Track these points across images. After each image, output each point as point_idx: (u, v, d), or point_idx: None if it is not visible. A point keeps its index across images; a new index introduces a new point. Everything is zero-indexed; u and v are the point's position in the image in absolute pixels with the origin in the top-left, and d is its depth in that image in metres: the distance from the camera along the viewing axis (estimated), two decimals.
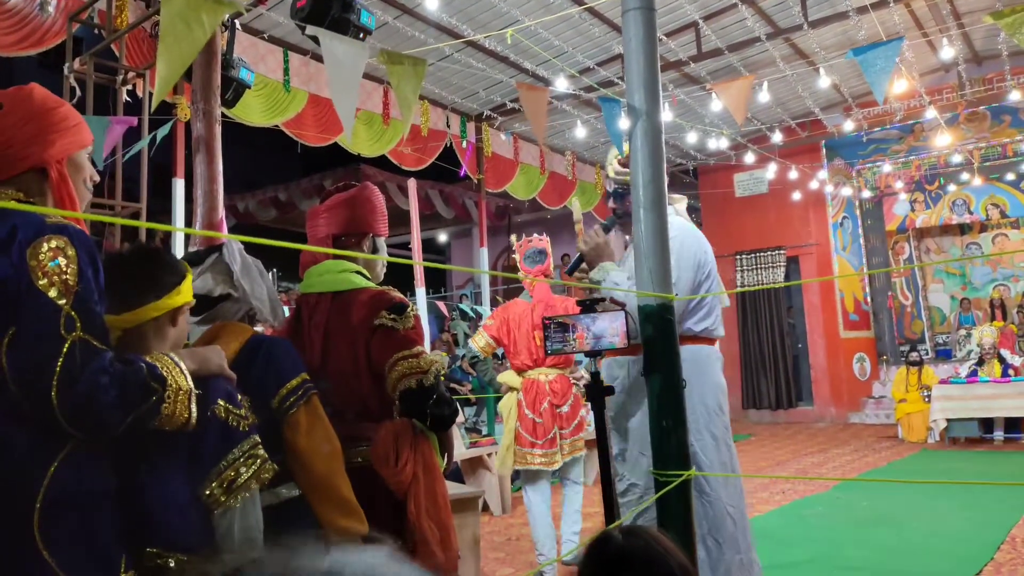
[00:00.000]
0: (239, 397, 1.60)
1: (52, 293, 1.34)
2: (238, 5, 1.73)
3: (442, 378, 2.13)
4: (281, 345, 1.85)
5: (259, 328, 2.02)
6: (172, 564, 1.46)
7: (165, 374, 1.42)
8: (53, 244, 1.37)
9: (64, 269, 1.36)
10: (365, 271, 2.27)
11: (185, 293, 1.61)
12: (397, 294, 2.21)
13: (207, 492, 1.49)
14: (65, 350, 1.31)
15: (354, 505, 1.80)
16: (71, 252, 1.38)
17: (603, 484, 2.41)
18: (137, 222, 1.35)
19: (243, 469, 1.51)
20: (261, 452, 1.56)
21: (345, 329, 2.14)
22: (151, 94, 5.78)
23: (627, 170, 2.87)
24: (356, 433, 2.08)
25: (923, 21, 8.97)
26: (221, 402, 1.54)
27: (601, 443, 2.38)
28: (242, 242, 1.95)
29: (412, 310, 2.16)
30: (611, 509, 2.37)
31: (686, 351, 2.32)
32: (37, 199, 1.54)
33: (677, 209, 3.00)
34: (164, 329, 1.59)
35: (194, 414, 1.47)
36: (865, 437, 10.19)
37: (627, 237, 3.11)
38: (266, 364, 1.78)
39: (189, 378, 1.47)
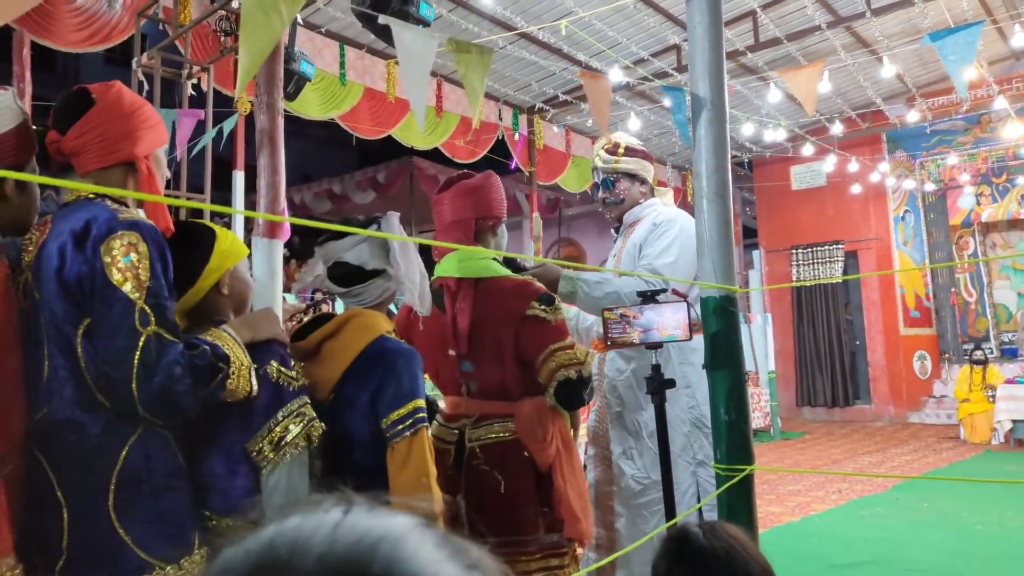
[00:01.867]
0: (292, 360, 1.64)
1: (126, 288, 1.40)
2: None
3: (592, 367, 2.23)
4: (405, 360, 1.79)
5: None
6: (224, 527, 1.53)
7: (227, 352, 1.49)
8: (126, 240, 1.42)
9: (137, 264, 1.41)
10: (499, 260, 2.34)
11: (216, 268, 1.64)
12: (540, 284, 2.29)
13: (257, 449, 1.54)
14: (141, 344, 1.37)
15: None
16: (143, 248, 1.43)
17: (664, 481, 2.38)
18: (206, 205, 1.39)
19: (292, 426, 1.56)
20: (309, 411, 1.60)
21: (493, 315, 2.22)
22: (215, 88, 5.91)
23: (615, 157, 2.90)
24: (496, 411, 2.22)
25: (992, 7, 8.64)
26: (274, 364, 1.59)
27: (662, 439, 2.36)
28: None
29: (558, 302, 2.25)
30: (672, 507, 2.34)
31: (698, 341, 2.31)
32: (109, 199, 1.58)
33: (665, 201, 3.02)
34: (219, 299, 1.66)
35: (255, 386, 1.53)
36: (925, 437, 9.91)
37: (612, 230, 3.08)
38: (384, 377, 1.75)
39: (246, 352, 1.53)
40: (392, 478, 1.72)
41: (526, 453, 2.18)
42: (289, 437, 1.55)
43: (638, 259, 2.77)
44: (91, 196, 1.53)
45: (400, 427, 1.72)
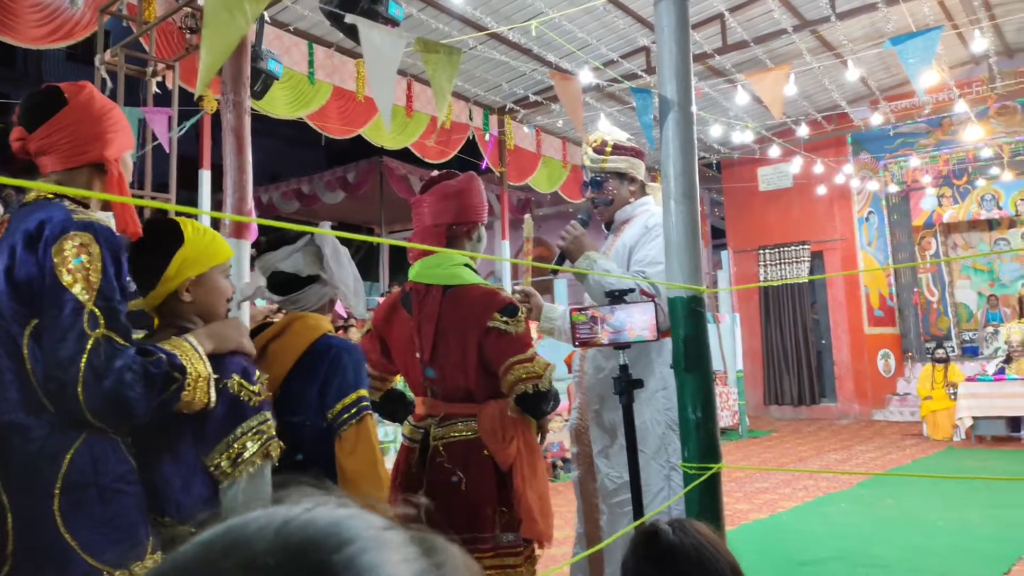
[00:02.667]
0: (256, 373, 1.62)
1: (76, 289, 1.37)
2: None
3: (552, 379, 2.24)
4: (347, 354, 1.87)
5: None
6: (183, 533, 1.50)
7: (185, 363, 1.46)
8: (77, 241, 1.39)
9: (88, 266, 1.38)
10: (472, 263, 2.36)
11: (174, 276, 1.60)
12: (507, 294, 2.31)
13: (214, 464, 1.53)
14: (89, 346, 1.34)
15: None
16: (95, 249, 1.40)
17: (632, 481, 2.40)
18: (171, 205, 1.38)
19: (249, 443, 1.54)
20: (268, 428, 1.59)
21: (457, 324, 2.24)
22: (180, 86, 5.83)
23: (602, 156, 2.86)
24: (461, 411, 2.25)
25: (953, 13, 8.82)
26: (235, 377, 1.57)
27: (630, 440, 2.37)
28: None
29: (523, 312, 2.26)
30: (640, 506, 2.36)
31: (667, 343, 2.34)
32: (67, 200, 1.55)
33: (657, 199, 2.96)
34: (180, 305, 1.63)
35: (213, 398, 1.51)
36: (889, 435, 10.09)
37: (603, 226, 3.07)
38: (330, 372, 1.82)
39: (207, 363, 1.50)
40: (341, 465, 1.76)
41: (486, 452, 2.20)
42: (247, 454, 1.53)
43: (628, 262, 2.76)
44: (50, 196, 1.50)
45: (346, 415, 1.78)
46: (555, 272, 3.13)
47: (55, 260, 1.38)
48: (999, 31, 9.63)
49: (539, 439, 2.37)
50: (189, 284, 1.63)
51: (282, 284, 1.97)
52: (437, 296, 2.28)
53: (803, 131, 10.87)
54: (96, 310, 1.37)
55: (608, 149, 2.85)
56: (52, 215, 1.43)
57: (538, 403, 2.19)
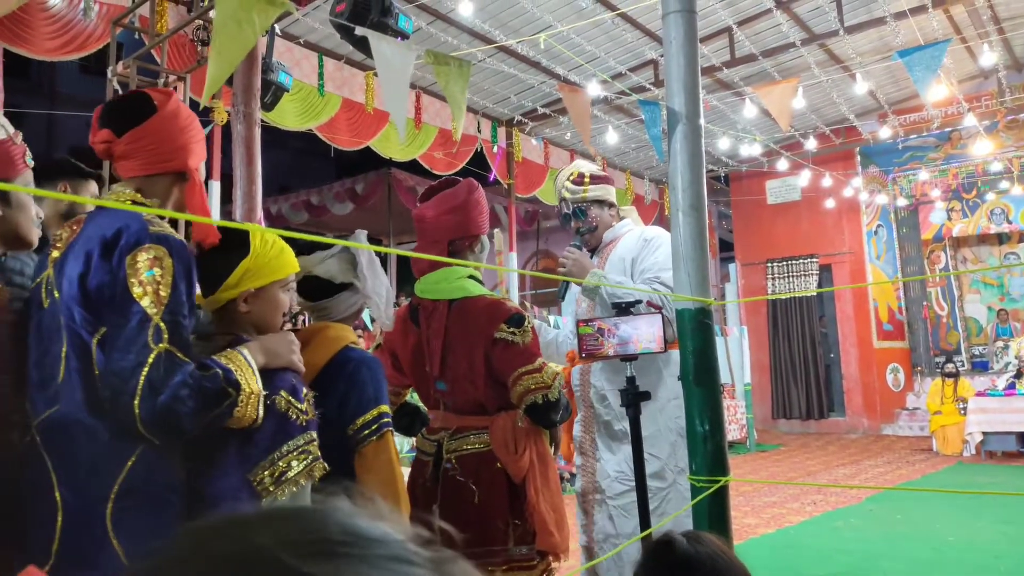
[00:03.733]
0: (304, 391, 1.60)
1: (145, 302, 1.39)
2: (289, 5, 1.75)
3: (563, 389, 2.23)
4: (368, 368, 1.83)
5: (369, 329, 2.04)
6: None
7: (239, 378, 1.45)
8: (152, 254, 1.41)
9: (159, 279, 1.40)
10: (477, 274, 2.36)
11: (233, 286, 1.61)
12: (512, 304, 2.31)
13: (257, 480, 1.51)
14: (151, 360, 1.35)
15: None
16: (168, 263, 1.42)
17: (639, 491, 2.39)
18: (182, 215, 1.38)
19: (294, 463, 1.52)
20: (314, 449, 1.56)
21: (464, 337, 2.25)
22: (192, 98, 5.88)
23: (582, 187, 2.95)
24: (472, 424, 2.25)
25: (962, 27, 8.83)
26: (283, 393, 1.55)
27: (637, 452, 2.37)
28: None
29: (529, 322, 2.26)
30: (646, 516, 2.35)
31: (676, 354, 2.36)
32: (155, 201, 1.58)
33: (634, 218, 3.10)
34: (238, 314, 1.64)
35: (261, 415, 1.49)
36: (898, 449, 10.02)
37: (588, 252, 3.09)
38: (349, 385, 1.78)
39: (259, 380, 1.50)
40: (360, 481, 1.74)
41: (499, 464, 2.20)
42: (290, 473, 1.52)
43: (632, 272, 2.80)
44: (128, 202, 1.52)
45: (366, 432, 1.75)
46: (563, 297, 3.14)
47: (128, 271, 1.40)
48: (1008, 45, 9.62)
49: (552, 450, 2.37)
50: (248, 295, 1.63)
51: (314, 289, 1.93)
52: (443, 310, 2.28)
53: (811, 144, 10.86)
54: (162, 324, 1.39)
55: (587, 180, 2.96)
56: (129, 223, 1.44)
57: (547, 413, 2.18)
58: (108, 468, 1.39)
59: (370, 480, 1.73)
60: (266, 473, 1.51)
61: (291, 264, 1.70)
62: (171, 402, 1.35)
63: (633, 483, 2.67)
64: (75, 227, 1.53)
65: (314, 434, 1.58)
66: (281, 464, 1.51)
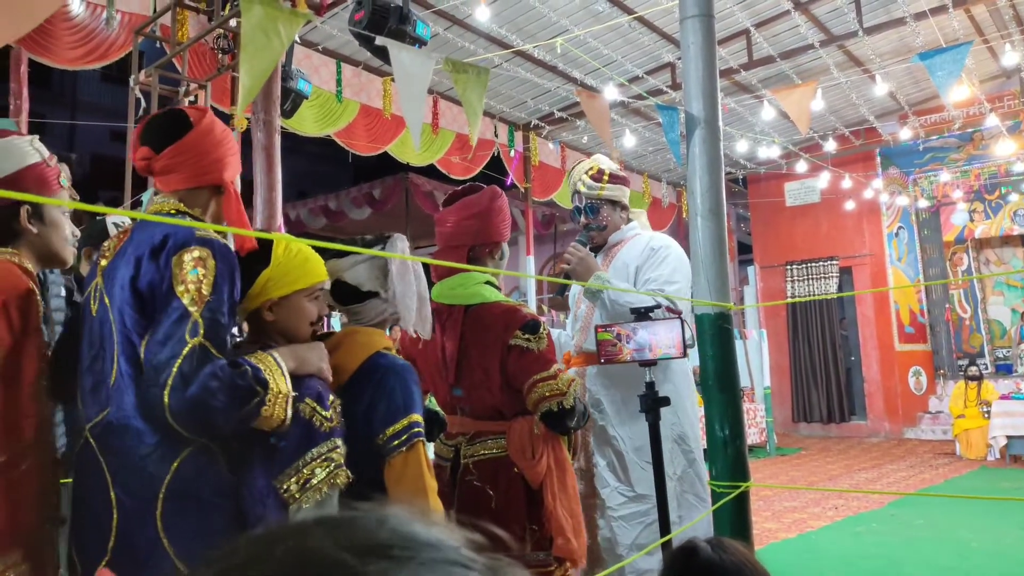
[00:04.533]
0: (330, 398, 1.62)
1: (186, 299, 1.44)
2: (312, 16, 1.77)
3: (578, 396, 2.21)
4: (397, 376, 1.78)
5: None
6: None
7: (268, 377, 1.48)
8: (196, 255, 1.47)
9: (201, 279, 1.46)
10: (494, 280, 2.36)
11: (257, 295, 1.64)
12: (528, 310, 2.30)
13: (283, 487, 1.52)
14: (185, 352, 1.40)
15: None
16: (211, 264, 1.48)
17: (659, 498, 2.38)
18: (202, 224, 1.42)
19: (318, 470, 1.53)
20: (337, 456, 1.57)
21: (479, 343, 2.24)
22: (213, 106, 5.93)
23: (600, 184, 2.90)
24: (489, 429, 2.24)
25: (984, 27, 8.74)
26: (309, 401, 1.57)
27: (657, 456, 2.36)
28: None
29: (544, 328, 2.25)
30: (666, 522, 2.34)
31: (680, 361, 2.36)
32: (196, 211, 1.66)
33: (642, 222, 3.04)
34: (264, 323, 1.67)
35: (289, 416, 1.51)
36: (921, 453, 9.91)
37: (591, 251, 3.05)
38: (377, 393, 1.74)
39: (288, 380, 1.52)
40: (389, 492, 1.70)
41: (516, 469, 2.19)
42: (315, 480, 1.53)
43: (635, 280, 2.78)
44: (172, 212, 1.59)
45: (396, 442, 1.71)
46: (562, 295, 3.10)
47: (174, 270, 1.46)
48: None
49: (570, 455, 2.36)
50: (271, 304, 1.66)
51: (345, 294, 1.89)
52: (459, 316, 2.28)
53: (831, 146, 10.78)
54: (200, 320, 1.43)
55: (605, 177, 2.91)
56: (177, 229, 1.52)
57: (563, 420, 2.18)
58: (156, 470, 1.44)
59: (399, 492, 1.69)
60: (292, 480, 1.52)
61: (316, 273, 1.71)
62: (201, 393, 1.38)
63: (633, 493, 2.67)
64: (123, 236, 1.60)
65: (339, 441, 1.59)
66: (306, 472, 1.53)
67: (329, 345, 1.82)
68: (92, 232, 2.41)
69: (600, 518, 2.75)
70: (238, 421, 1.45)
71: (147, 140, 1.64)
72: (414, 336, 2.18)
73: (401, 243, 1.93)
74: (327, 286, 1.79)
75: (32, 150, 1.63)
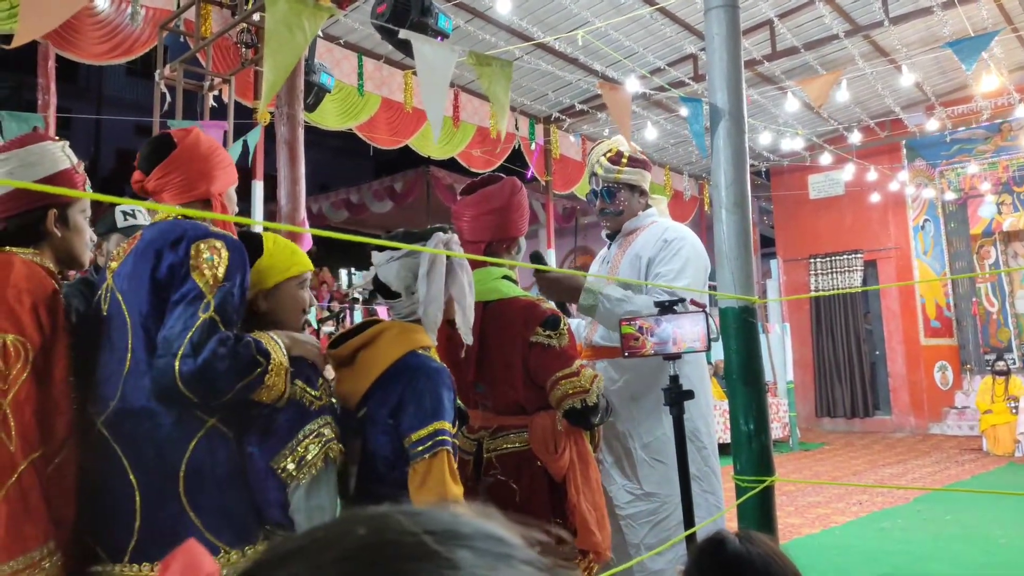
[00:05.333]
0: (319, 380, 1.70)
1: (201, 282, 1.55)
2: (335, 9, 1.77)
3: (601, 392, 2.18)
4: (428, 378, 1.74)
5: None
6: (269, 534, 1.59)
7: (269, 349, 1.58)
8: (212, 244, 1.60)
9: (216, 264, 1.57)
10: (512, 274, 2.33)
11: (256, 283, 1.71)
12: (548, 305, 2.28)
13: (280, 467, 1.59)
14: (196, 325, 1.50)
15: None
16: (225, 253, 1.60)
17: (683, 493, 2.36)
18: (230, 217, 1.45)
19: (312, 447, 1.60)
20: (328, 431, 1.64)
21: (500, 339, 2.22)
22: (237, 100, 5.98)
23: (618, 167, 2.80)
24: (513, 423, 2.23)
25: (1013, 15, 8.57)
26: (298, 382, 1.64)
27: (681, 451, 2.34)
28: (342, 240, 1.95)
29: (565, 324, 2.22)
30: (690, 518, 2.33)
31: (694, 355, 2.33)
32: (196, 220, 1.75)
33: (661, 210, 2.94)
34: (256, 315, 1.74)
35: (288, 388, 1.60)
36: (947, 449, 9.79)
37: (605, 235, 2.98)
38: (406, 395, 1.72)
39: (287, 356, 1.62)
40: (411, 497, 1.69)
41: (539, 463, 2.18)
42: (309, 456, 1.60)
43: (645, 273, 2.71)
44: (179, 217, 1.69)
45: (420, 448, 1.68)
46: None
47: (191, 254, 1.58)
48: None
49: (594, 449, 2.35)
50: (265, 293, 1.74)
51: (381, 288, 1.90)
52: (477, 312, 2.22)
53: (855, 138, 10.65)
54: (212, 300, 1.54)
55: (624, 160, 2.81)
56: (194, 226, 1.64)
57: (587, 417, 2.15)
58: (173, 450, 1.53)
59: (420, 498, 1.66)
60: (288, 460, 1.59)
61: (304, 262, 1.80)
62: (210, 358, 1.48)
63: (640, 491, 2.62)
64: (132, 243, 1.69)
65: (329, 418, 1.67)
66: (300, 449, 1.60)
67: (366, 337, 1.83)
68: (103, 222, 2.45)
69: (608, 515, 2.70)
70: (244, 389, 1.53)
71: (139, 165, 1.75)
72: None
73: (436, 240, 1.87)
74: (309, 276, 1.84)
75: (63, 156, 1.71)
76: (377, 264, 1.90)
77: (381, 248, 1.88)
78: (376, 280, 1.90)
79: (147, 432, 1.53)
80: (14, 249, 1.63)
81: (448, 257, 1.85)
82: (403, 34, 2.41)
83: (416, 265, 1.84)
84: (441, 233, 1.90)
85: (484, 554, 0.37)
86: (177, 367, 1.47)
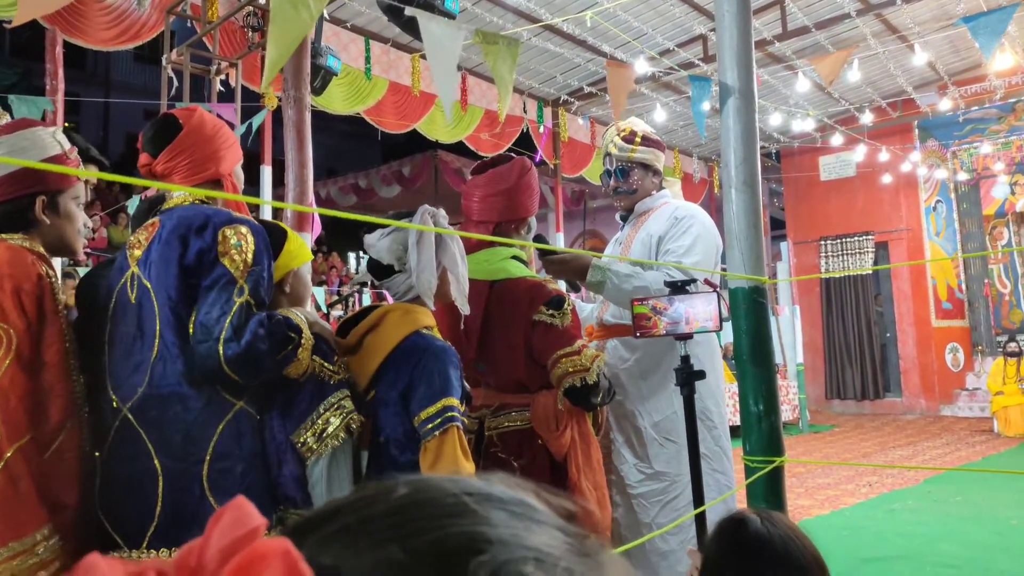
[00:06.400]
0: (335, 356, 1.73)
1: (231, 267, 1.58)
2: None
3: (603, 370, 2.18)
4: (435, 357, 1.76)
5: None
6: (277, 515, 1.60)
7: (299, 323, 1.63)
8: (238, 230, 1.63)
9: (245, 249, 1.61)
10: (521, 254, 2.33)
11: (282, 267, 1.78)
12: (554, 286, 2.28)
13: (301, 441, 1.62)
14: (234, 310, 1.54)
15: None
16: (250, 239, 1.63)
17: (692, 472, 2.36)
18: (241, 197, 1.48)
19: (332, 419, 1.64)
20: (348, 403, 1.68)
21: (504, 319, 2.23)
22: (244, 84, 5.97)
23: (632, 146, 2.79)
24: (515, 401, 2.24)
25: None
26: (316, 358, 1.67)
27: (691, 431, 2.34)
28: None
29: (569, 304, 2.22)
30: (700, 496, 2.33)
31: (703, 335, 2.33)
32: (209, 203, 1.78)
33: (673, 192, 2.92)
34: (278, 298, 1.80)
35: (310, 364, 1.64)
36: (957, 430, 9.76)
37: (619, 217, 2.99)
38: (415, 375, 1.74)
39: (308, 330, 1.66)
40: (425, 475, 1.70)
41: (540, 441, 2.19)
42: (330, 429, 1.63)
43: (657, 252, 2.70)
44: (196, 201, 1.72)
45: (430, 426, 1.70)
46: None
47: (219, 240, 1.60)
48: None
49: (597, 432, 2.35)
50: (292, 276, 1.83)
51: (376, 268, 1.92)
52: (484, 291, 2.25)
53: (867, 118, 10.56)
54: (245, 284, 1.58)
55: (638, 139, 2.80)
56: (217, 212, 1.67)
57: (587, 396, 2.15)
58: (202, 433, 1.55)
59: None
60: (308, 433, 1.62)
61: (306, 253, 1.90)
62: (253, 340, 1.52)
63: (651, 470, 2.62)
64: (151, 229, 1.69)
65: (347, 391, 1.70)
66: (320, 422, 1.64)
67: (371, 321, 1.85)
68: (137, 214, 2.44)
69: (617, 495, 2.71)
70: (279, 365, 1.58)
71: (145, 147, 1.75)
72: (432, 310, 2.17)
73: (423, 215, 1.91)
74: None
75: (54, 142, 1.67)
76: (369, 245, 1.93)
77: (371, 229, 1.93)
78: (371, 263, 1.94)
79: (175, 416, 1.55)
80: (1, 235, 1.60)
81: (434, 228, 1.88)
82: (409, 11, 2.39)
83: (405, 238, 1.89)
84: (427, 206, 1.95)
85: (519, 516, 0.39)
86: (221, 351, 1.51)
